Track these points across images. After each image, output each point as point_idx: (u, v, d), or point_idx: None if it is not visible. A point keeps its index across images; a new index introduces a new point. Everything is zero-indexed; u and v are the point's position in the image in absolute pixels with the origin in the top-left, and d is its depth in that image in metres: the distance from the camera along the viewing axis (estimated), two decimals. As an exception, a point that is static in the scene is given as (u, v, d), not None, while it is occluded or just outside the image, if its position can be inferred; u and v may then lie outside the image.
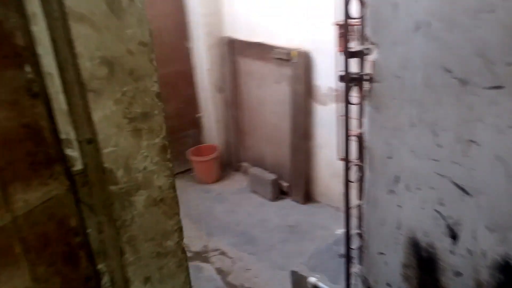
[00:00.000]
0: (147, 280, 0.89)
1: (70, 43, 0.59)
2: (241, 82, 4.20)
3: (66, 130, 0.63)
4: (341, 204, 2.51)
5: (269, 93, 3.92)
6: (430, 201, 1.76)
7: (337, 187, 3.55)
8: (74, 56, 0.59)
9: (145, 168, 0.75)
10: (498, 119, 1.44)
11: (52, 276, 0.70)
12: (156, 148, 0.76)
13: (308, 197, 3.94)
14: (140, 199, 0.77)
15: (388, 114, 1.80)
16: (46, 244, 0.68)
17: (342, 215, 2.39)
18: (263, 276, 3.17)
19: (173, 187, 0.83)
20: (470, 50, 1.45)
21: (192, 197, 4.16)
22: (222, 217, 3.85)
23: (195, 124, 4.61)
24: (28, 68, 0.57)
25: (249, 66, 4.03)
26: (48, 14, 0.57)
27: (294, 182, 3.94)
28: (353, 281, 2.32)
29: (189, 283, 1.01)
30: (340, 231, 2.63)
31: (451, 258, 1.73)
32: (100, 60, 0.64)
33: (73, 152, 0.65)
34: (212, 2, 4.05)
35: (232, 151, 4.54)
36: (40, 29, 0.58)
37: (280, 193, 4.06)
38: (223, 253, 3.41)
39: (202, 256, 3.39)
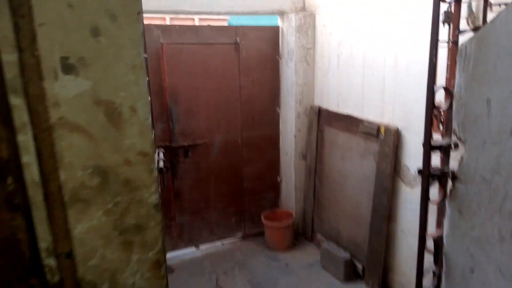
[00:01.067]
0: None
1: (55, 153, 0.57)
2: (325, 152, 4.09)
3: (45, 242, 0.60)
4: None
5: (353, 167, 3.74)
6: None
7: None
8: (58, 166, 0.57)
9: (133, 284, 0.69)
10: None
11: None
12: (148, 263, 0.70)
13: (384, 284, 3.55)
14: None
15: (473, 220, 1.54)
16: None
17: None
18: None
19: None
20: None
21: (259, 263, 4.02)
22: (287, 291, 3.62)
23: (274, 187, 4.57)
24: (10, 180, 0.56)
25: (335, 137, 3.92)
26: (36, 124, 0.57)
27: (370, 265, 3.59)
28: None
29: None
30: None
31: None
32: (93, 169, 0.61)
33: (50, 265, 0.61)
34: (306, 73, 4.11)
35: (307, 220, 4.37)
36: (26, 139, 0.57)
37: (353, 275, 3.73)
38: (280, 333, 3.17)
39: (258, 331, 3.18)
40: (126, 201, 0.70)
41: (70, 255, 0.65)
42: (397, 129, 3.21)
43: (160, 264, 0.75)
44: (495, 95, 1.38)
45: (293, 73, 4.07)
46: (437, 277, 1.78)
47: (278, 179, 4.56)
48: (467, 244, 1.61)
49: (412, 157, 3.17)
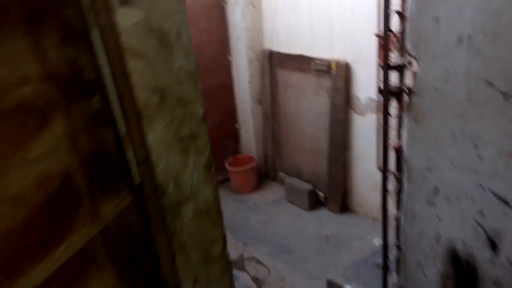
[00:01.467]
0: (196, 282, 0.97)
1: (126, 76, 0.68)
2: (280, 94, 4.28)
3: (128, 151, 0.73)
4: (379, 215, 2.52)
5: (308, 104, 3.98)
6: (470, 213, 1.75)
7: (375, 198, 3.54)
8: (130, 87, 0.69)
9: (192, 183, 0.83)
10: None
11: (127, 274, 0.80)
12: (201, 165, 0.85)
13: (345, 207, 3.94)
14: (188, 210, 0.85)
15: (428, 127, 1.82)
16: (121, 249, 0.78)
17: (379, 226, 2.41)
18: (298, 286, 3.20)
19: (217, 200, 0.90)
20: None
21: (229, 207, 4.25)
22: (258, 227, 3.91)
23: (234, 134, 4.73)
24: (97, 98, 0.67)
25: (289, 78, 4.11)
26: (108, 51, 0.67)
27: (331, 192, 3.95)
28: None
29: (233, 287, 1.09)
30: (378, 241, 2.63)
31: (491, 269, 1.72)
32: (153, 89, 0.73)
33: (133, 170, 0.74)
34: (254, 16, 4.18)
35: (269, 161, 4.62)
36: (104, 64, 0.68)
37: (316, 203, 4.09)
38: (259, 262, 3.47)
39: (238, 264, 3.46)
40: (181, 115, 0.83)
41: (146, 161, 0.77)
42: (347, 63, 3.45)
43: (210, 165, 0.89)
44: (442, 13, 1.61)
45: (241, 18, 4.13)
46: (399, 181, 2.09)
47: (237, 126, 4.72)
48: (424, 149, 1.90)
49: (362, 87, 3.45)
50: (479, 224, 1.74)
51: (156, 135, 0.79)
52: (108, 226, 0.74)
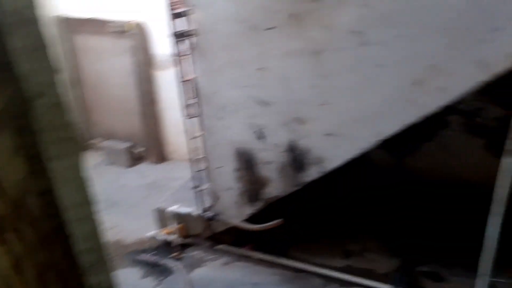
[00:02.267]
0: (55, 158, 1.31)
1: None
2: (81, 60, 4.35)
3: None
4: (190, 157, 3.06)
5: (111, 67, 4.20)
6: (245, 117, 2.45)
7: (184, 142, 4.11)
8: None
9: (43, 82, 1.17)
10: (276, 50, 2.18)
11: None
12: (49, 70, 1.18)
13: (162, 157, 4.40)
14: (43, 102, 1.18)
15: (211, 59, 2.41)
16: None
17: (191, 167, 2.96)
18: (130, 228, 3.54)
19: (66, 95, 1.25)
20: (257, 3, 2.14)
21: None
22: (82, 187, 4.03)
23: (38, 106, 4.57)
24: None
25: (88, 42, 4.22)
26: None
27: (148, 146, 4.34)
28: (203, 197, 2.93)
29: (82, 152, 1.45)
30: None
31: (263, 153, 2.48)
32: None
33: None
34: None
35: (81, 130, 4.67)
36: None
37: (136, 159, 4.42)
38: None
39: (68, 223, 3.56)
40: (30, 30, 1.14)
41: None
42: (143, 23, 3.82)
43: (56, 70, 1.24)
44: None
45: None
46: (199, 105, 2.67)
47: (39, 98, 4.57)
48: (210, 76, 2.50)
49: (159, 44, 3.88)
50: (252, 124, 2.46)
51: (18, 44, 1.10)
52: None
